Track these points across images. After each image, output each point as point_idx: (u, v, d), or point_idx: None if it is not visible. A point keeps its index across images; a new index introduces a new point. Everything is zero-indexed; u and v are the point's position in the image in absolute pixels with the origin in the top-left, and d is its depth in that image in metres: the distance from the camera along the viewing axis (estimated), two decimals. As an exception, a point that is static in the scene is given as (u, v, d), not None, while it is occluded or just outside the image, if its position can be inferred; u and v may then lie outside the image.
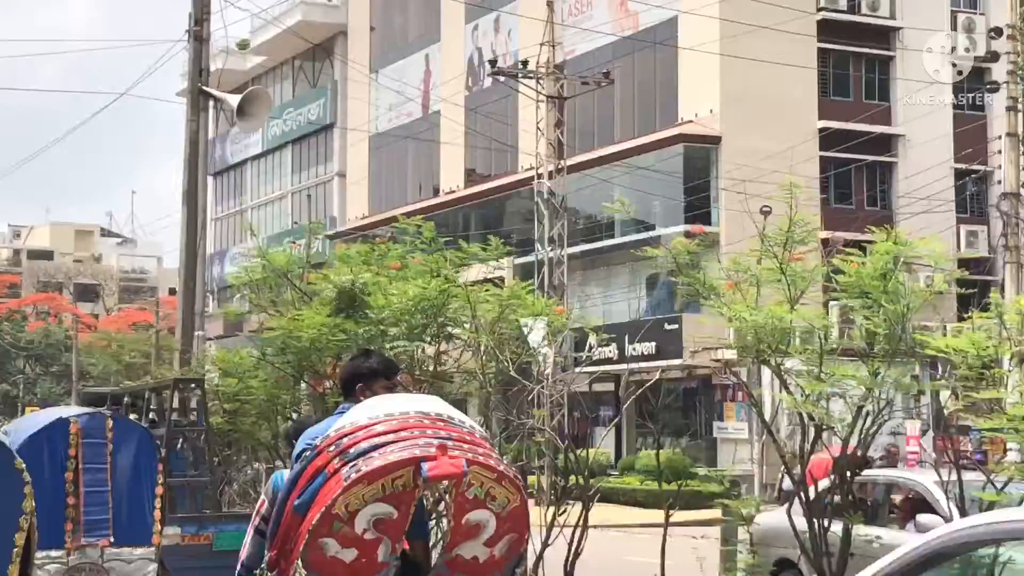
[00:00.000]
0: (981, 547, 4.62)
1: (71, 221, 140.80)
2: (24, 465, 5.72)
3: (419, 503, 5.43)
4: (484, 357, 12.61)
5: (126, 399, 18.01)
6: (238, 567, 6.20)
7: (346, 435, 5.38)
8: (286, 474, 5.86)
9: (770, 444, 30.20)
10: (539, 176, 35.82)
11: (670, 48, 41.09)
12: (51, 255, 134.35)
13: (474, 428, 5.61)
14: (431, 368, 13.97)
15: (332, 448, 5.37)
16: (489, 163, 49.65)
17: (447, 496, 5.37)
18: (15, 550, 5.60)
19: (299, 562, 5.26)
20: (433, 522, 5.96)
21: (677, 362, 36.88)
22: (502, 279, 15.89)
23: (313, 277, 16.09)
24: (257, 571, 5.87)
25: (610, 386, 36.80)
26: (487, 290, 13.48)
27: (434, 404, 5.68)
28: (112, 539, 8.93)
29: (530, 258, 36.45)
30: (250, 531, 6.21)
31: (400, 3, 55.88)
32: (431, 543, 5.99)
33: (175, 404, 15.67)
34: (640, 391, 13.71)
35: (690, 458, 36.55)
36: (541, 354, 14.22)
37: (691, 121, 40.73)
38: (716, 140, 39.97)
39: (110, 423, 9.31)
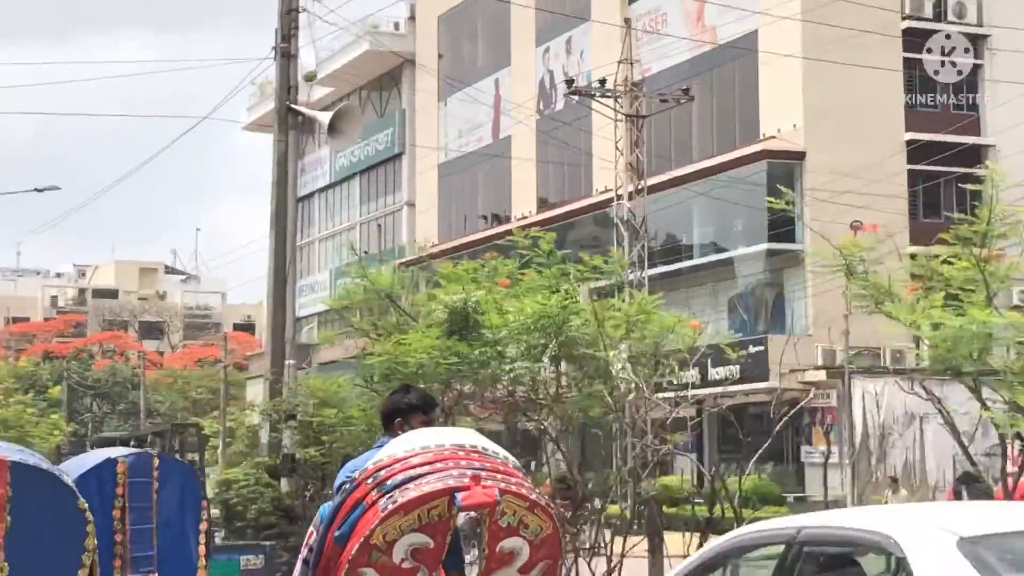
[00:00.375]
0: (752, 550, 5.85)
1: (135, 259, 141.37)
2: (87, 505, 5.95)
3: (455, 534, 5.57)
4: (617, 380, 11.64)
5: (132, 443, 17.75)
6: None
7: (383, 468, 5.59)
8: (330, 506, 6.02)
9: (863, 467, 28.99)
10: (618, 197, 34.88)
11: (750, 62, 40.11)
12: (116, 293, 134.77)
13: (508, 459, 5.78)
14: (552, 391, 13.10)
15: (370, 480, 5.58)
16: (562, 188, 48.75)
17: (481, 526, 5.52)
18: None
19: None
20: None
21: (763, 385, 35.72)
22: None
23: (419, 299, 15.22)
24: None
25: (691, 411, 35.72)
26: (612, 306, 12.58)
27: (469, 437, 5.87)
28: (157, 574, 9.13)
29: (603, 282, 35.43)
30: (299, 563, 6.26)
31: (468, 29, 55.24)
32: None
33: (175, 446, 15.29)
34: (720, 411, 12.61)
35: (777, 484, 35.41)
36: (626, 379, 13.24)
37: (774, 137, 39.68)
38: (800, 155, 38.88)
39: (156, 461, 9.54)
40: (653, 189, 36.36)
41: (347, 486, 5.77)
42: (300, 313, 69.07)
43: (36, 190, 62.66)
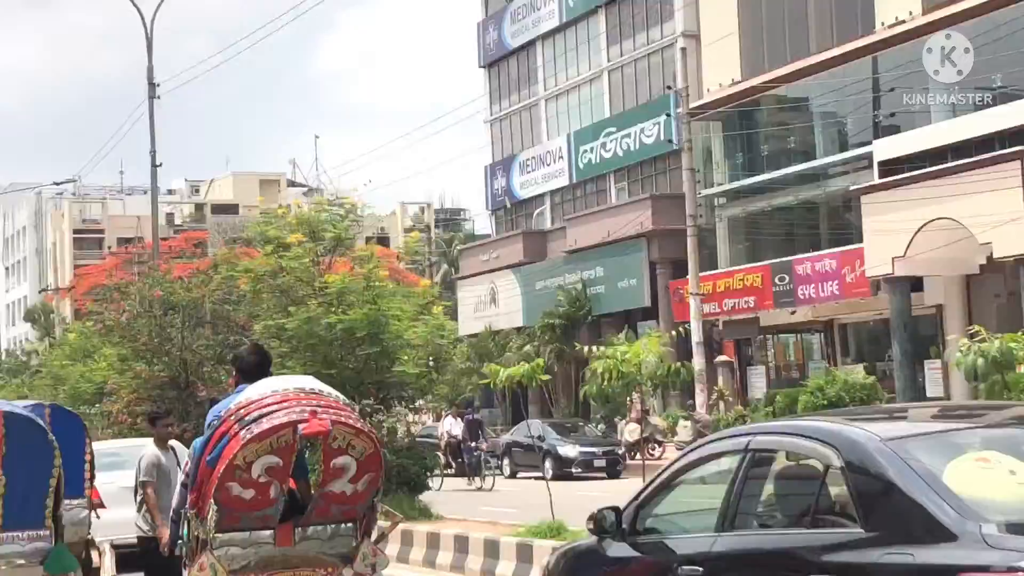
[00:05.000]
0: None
1: (254, 170, 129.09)
2: (54, 439, 9.04)
3: (299, 453, 7.73)
4: None
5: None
6: (171, 513, 8.38)
7: (242, 407, 7.60)
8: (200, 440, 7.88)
9: None
10: None
11: None
12: (236, 208, 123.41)
13: (339, 398, 7.89)
14: None
15: (232, 418, 7.59)
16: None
17: (319, 447, 7.63)
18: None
19: (212, 501, 7.46)
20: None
21: None
22: None
23: None
24: (183, 511, 7.90)
25: None
26: None
27: (308, 382, 8.06)
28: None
29: None
30: (178, 486, 8.27)
31: None
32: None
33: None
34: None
35: None
36: None
37: None
38: None
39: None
40: None
41: (214, 423, 7.74)
42: (527, 193, 55.98)
43: (55, 183, 54.26)
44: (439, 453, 31.72)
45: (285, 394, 7.65)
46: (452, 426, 35.03)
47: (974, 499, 5.43)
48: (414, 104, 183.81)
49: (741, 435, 7.00)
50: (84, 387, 29.18)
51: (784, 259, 37.65)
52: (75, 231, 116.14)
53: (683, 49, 41.56)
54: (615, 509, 7.33)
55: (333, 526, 7.84)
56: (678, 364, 31.18)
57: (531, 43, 52.72)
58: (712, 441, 7.46)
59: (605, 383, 21.72)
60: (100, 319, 26.72)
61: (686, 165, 37.70)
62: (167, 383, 23.47)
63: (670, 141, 42.03)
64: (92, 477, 11.70)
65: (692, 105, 39.50)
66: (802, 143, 39.61)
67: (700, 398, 36.88)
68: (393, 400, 20.63)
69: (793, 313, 38.24)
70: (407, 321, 20.13)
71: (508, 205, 54.59)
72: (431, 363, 20.81)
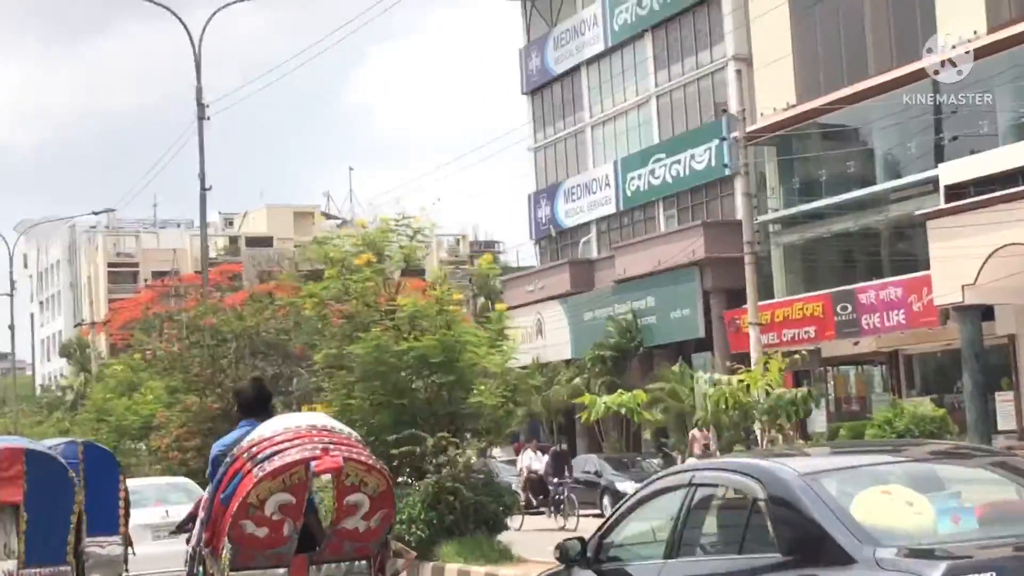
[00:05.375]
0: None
1: (288, 203, 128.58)
2: (74, 475, 9.33)
3: (311, 492, 7.84)
4: None
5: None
6: (189, 550, 8.31)
7: (255, 445, 7.74)
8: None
9: None
10: None
11: None
12: (270, 241, 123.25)
13: (351, 435, 8.08)
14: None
15: (245, 455, 7.74)
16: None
17: (332, 484, 7.84)
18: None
19: (226, 538, 7.60)
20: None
21: None
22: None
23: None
24: (198, 549, 7.94)
25: None
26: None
27: (320, 419, 8.17)
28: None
29: None
30: (197, 523, 8.20)
31: None
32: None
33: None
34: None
35: None
36: None
37: None
38: None
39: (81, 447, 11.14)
40: None
41: (227, 459, 7.89)
42: (572, 222, 54.84)
43: (93, 213, 58.65)
44: (519, 490, 28.90)
45: (297, 431, 7.79)
46: (532, 460, 33.01)
47: (875, 527, 6.14)
48: (446, 137, 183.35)
49: (687, 471, 7.85)
50: (130, 421, 28.24)
51: (846, 288, 36.41)
52: (109, 264, 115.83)
53: (738, 71, 40.47)
54: (580, 539, 8.00)
55: (347, 563, 7.95)
56: (805, 390, 29.71)
57: (575, 68, 51.72)
58: (662, 477, 8.25)
59: (722, 411, 20.49)
60: (148, 347, 25.69)
61: (742, 190, 36.53)
62: (219, 415, 22.51)
63: (726, 166, 40.84)
64: (127, 514, 11.46)
65: (748, 129, 38.38)
66: (861, 168, 38.42)
67: (760, 433, 35.62)
68: (467, 433, 19.42)
69: (856, 344, 36.98)
70: (484, 348, 19.03)
71: (553, 234, 53.48)
72: (506, 394, 19.65)
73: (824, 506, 6.25)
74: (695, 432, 33.06)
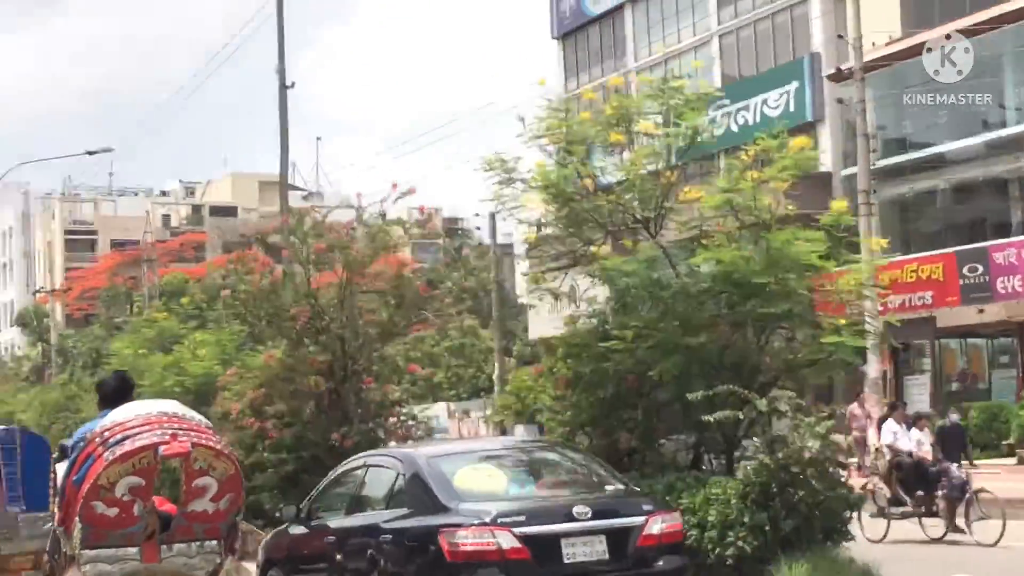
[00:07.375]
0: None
1: (255, 172, 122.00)
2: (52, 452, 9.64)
3: (159, 474, 8.05)
4: None
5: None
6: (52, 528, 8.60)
7: (107, 430, 7.99)
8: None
9: None
10: None
11: None
12: (234, 211, 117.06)
13: (201, 421, 8.28)
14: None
15: (98, 440, 7.98)
16: None
17: (181, 468, 8.03)
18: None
19: (77, 518, 7.85)
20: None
21: None
22: None
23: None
24: (54, 528, 8.34)
25: None
26: None
27: (171, 406, 8.32)
28: None
29: None
30: (53, 505, 8.62)
31: None
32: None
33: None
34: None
35: None
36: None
37: None
38: None
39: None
40: None
41: (80, 444, 8.21)
42: (614, 178, 49.43)
43: (88, 152, 55.81)
44: (877, 479, 19.26)
45: (147, 417, 8.11)
46: (899, 435, 19.89)
47: (464, 490, 10.51)
48: (414, 113, 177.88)
49: (366, 456, 12.57)
50: (171, 382, 22.80)
51: (978, 245, 31.35)
52: (66, 232, 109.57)
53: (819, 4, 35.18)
54: (296, 506, 12.57)
55: (199, 544, 8.24)
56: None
57: (618, 8, 46.36)
58: (354, 459, 12.59)
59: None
60: (232, 284, 19.95)
61: (860, 131, 31.32)
62: (324, 370, 17.22)
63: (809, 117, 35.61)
64: (55, 493, 11.98)
65: (842, 66, 33.25)
66: (985, 109, 33.38)
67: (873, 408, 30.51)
68: (773, 389, 12.99)
69: (981, 311, 31.97)
70: (831, 263, 13.49)
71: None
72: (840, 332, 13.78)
73: (436, 477, 10.64)
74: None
